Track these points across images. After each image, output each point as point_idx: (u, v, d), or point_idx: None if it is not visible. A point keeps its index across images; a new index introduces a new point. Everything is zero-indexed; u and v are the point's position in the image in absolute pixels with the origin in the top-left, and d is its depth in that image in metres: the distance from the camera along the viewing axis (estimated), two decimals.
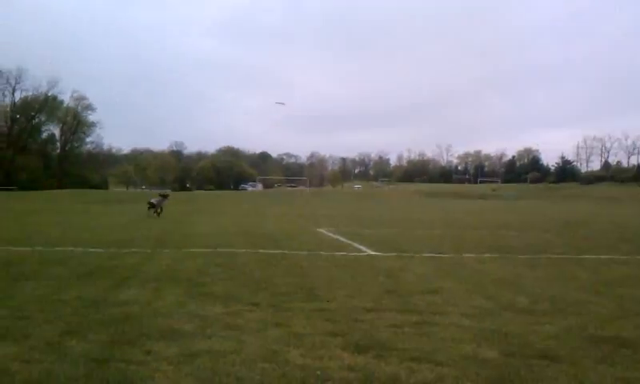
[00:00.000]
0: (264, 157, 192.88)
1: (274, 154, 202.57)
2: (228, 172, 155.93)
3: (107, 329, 6.03)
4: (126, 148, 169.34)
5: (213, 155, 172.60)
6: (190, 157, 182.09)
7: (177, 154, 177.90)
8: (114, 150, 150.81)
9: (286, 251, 13.60)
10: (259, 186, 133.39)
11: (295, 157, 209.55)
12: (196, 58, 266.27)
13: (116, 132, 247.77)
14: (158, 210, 27.72)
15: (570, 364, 5.12)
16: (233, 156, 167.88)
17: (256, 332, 6.01)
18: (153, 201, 28.54)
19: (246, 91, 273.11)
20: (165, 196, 30.47)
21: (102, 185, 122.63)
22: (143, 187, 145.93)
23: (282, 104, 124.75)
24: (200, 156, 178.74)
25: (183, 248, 13.94)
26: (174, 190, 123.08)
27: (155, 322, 6.39)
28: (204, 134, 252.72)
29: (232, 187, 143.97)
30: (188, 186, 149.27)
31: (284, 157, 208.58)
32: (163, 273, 9.98)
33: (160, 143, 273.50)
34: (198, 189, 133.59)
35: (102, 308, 7.09)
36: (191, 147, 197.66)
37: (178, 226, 22.25)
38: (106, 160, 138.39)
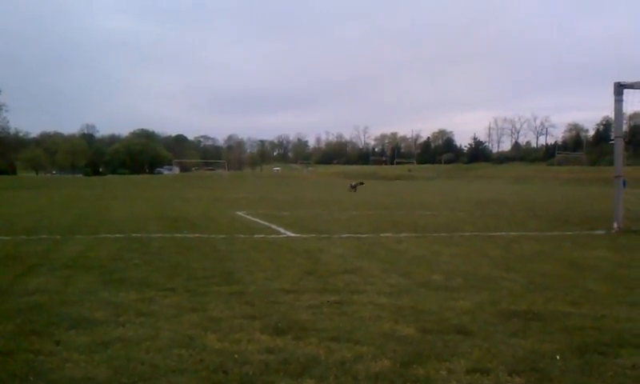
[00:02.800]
0: (180, 139, 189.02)
1: (190, 137, 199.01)
2: (143, 155, 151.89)
3: (13, 319, 5.72)
4: (34, 132, 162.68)
5: (126, 138, 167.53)
6: (102, 140, 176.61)
7: (88, 138, 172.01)
8: (21, 134, 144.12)
9: (203, 235, 13.39)
10: (176, 170, 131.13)
11: (213, 139, 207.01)
12: (107, 37, 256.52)
13: (23, 115, 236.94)
14: None
15: (483, 338, 5.24)
16: (147, 139, 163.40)
17: (171, 318, 5.85)
18: None
19: (160, 72, 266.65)
20: None
21: (9, 170, 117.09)
22: (54, 172, 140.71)
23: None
24: (113, 139, 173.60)
25: (96, 234, 13.48)
26: (86, 174, 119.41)
27: (65, 310, 6.12)
28: (117, 116, 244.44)
29: (147, 171, 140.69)
30: (101, 170, 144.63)
31: (201, 139, 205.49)
32: (74, 260, 9.60)
33: (71, 126, 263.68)
34: (111, 173, 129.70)
35: (7, 298, 6.73)
36: (103, 130, 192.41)
37: (91, 212, 21.56)
38: (13, 144, 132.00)
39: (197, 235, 13.32)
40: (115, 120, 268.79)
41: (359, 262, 9.65)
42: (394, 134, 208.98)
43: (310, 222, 17.67)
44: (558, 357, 4.73)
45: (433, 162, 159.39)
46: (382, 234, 14.06)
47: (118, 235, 13.16)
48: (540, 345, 5.06)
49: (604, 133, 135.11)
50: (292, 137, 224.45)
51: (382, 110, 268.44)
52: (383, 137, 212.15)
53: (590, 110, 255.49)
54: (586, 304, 6.70)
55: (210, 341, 5.07)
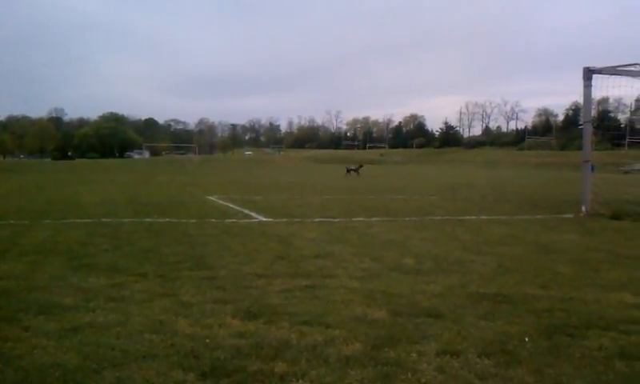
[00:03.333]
0: (150, 123, 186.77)
1: (160, 121, 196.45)
2: (112, 139, 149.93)
3: None
4: (0, 115, 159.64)
5: (95, 122, 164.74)
6: (70, 123, 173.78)
7: (56, 121, 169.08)
8: None
9: (174, 220, 13.28)
10: (146, 154, 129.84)
11: (183, 123, 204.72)
12: (74, 18, 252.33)
13: None
14: None
15: (453, 320, 5.30)
16: (117, 122, 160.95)
17: (142, 303, 5.80)
18: None
19: (130, 54, 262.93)
20: None
21: None
22: (21, 156, 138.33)
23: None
24: (82, 122, 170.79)
25: (64, 219, 13.29)
26: (54, 158, 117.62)
27: (33, 296, 6.03)
28: (85, 99, 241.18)
29: (117, 155, 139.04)
30: (70, 154, 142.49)
31: (171, 123, 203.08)
32: (42, 245, 9.46)
33: (38, 110, 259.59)
34: (80, 157, 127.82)
35: None
36: (72, 113, 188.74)
37: (59, 196, 21.22)
38: None
39: (167, 220, 13.21)
40: (84, 103, 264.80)
41: (331, 247, 9.66)
42: (366, 119, 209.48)
43: (282, 206, 17.64)
44: (526, 339, 4.80)
45: (405, 147, 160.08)
46: (353, 219, 14.10)
47: (87, 220, 12.99)
48: (509, 327, 5.13)
49: (573, 118, 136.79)
50: (264, 121, 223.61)
51: (354, 94, 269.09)
52: (355, 121, 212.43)
53: (559, 95, 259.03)
54: (555, 287, 6.80)
55: (181, 326, 5.05)
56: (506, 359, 4.33)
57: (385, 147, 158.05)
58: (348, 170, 46.43)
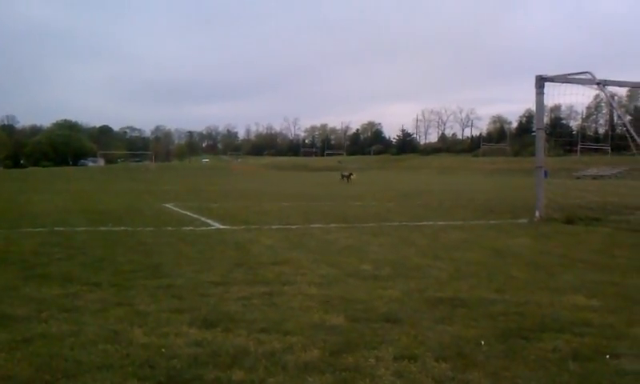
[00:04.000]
0: (105, 130, 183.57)
1: (115, 128, 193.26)
2: (66, 147, 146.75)
3: None
4: None
5: (48, 129, 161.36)
6: (23, 131, 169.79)
7: (8, 129, 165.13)
8: None
9: (129, 228, 13.07)
10: (101, 162, 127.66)
11: (139, 130, 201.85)
12: (26, 25, 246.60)
13: None
14: None
15: (410, 325, 5.33)
16: (71, 130, 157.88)
17: (96, 313, 5.68)
18: None
19: (83, 61, 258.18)
20: None
21: None
22: None
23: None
24: (35, 130, 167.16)
25: (17, 228, 12.95)
26: (6, 167, 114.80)
27: None
28: (38, 106, 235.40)
29: (71, 163, 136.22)
30: (22, 162, 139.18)
31: (127, 130, 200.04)
32: None
33: None
34: (33, 165, 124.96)
35: None
36: (24, 121, 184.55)
37: (11, 206, 20.71)
38: None
39: (123, 228, 13.00)
40: (36, 111, 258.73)
41: (289, 253, 9.64)
42: (324, 126, 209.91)
43: (240, 213, 17.54)
44: (482, 342, 4.85)
45: (362, 154, 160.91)
46: (312, 225, 14.10)
47: (40, 229, 12.69)
48: (465, 331, 5.19)
49: (526, 125, 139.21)
50: (221, 128, 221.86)
51: (312, 101, 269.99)
52: (313, 128, 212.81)
53: (513, 103, 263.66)
54: (510, 290, 6.91)
55: (136, 335, 4.96)
56: (463, 363, 4.37)
57: (343, 154, 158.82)
58: (342, 176, 49.34)
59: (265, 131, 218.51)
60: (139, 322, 5.33)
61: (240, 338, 4.92)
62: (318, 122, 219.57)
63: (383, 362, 4.37)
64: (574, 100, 17.30)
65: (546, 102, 16.72)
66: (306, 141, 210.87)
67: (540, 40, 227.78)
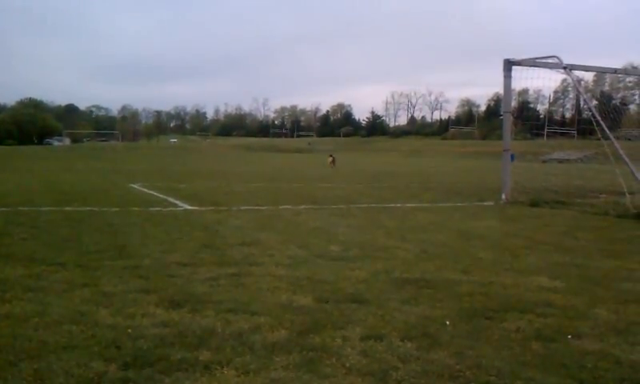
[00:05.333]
0: (71, 109, 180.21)
1: (82, 107, 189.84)
2: (31, 126, 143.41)
3: None
4: None
5: (12, 107, 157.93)
6: None
7: None
8: None
9: (95, 208, 12.89)
10: (66, 141, 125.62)
11: (106, 109, 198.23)
12: None
13: None
14: None
15: (377, 305, 5.38)
16: (35, 108, 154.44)
17: (61, 293, 5.62)
18: None
19: (48, 38, 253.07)
20: None
21: None
22: None
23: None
24: None
25: None
26: None
27: None
28: (2, 84, 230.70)
29: (36, 142, 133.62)
30: None
31: (93, 109, 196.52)
32: None
33: None
34: None
35: None
36: None
37: None
38: None
39: (88, 208, 12.82)
40: (0, 88, 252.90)
41: (258, 234, 9.63)
42: (293, 107, 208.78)
43: (209, 194, 17.45)
44: (447, 322, 4.92)
45: (332, 135, 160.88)
46: (280, 207, 14.09)
47: (3, 209, 12.46)
48: (431, 311, 5.25)
49: (494, 108, 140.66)
50: (189, 108, 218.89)
51: (282, 82, 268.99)
52: (283, 109, 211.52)
53: (482, 86, 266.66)
54: (475, 271, 7.01)
55: (102, 316, 4.92)
56: (428, 342, 4.42)
57: (313, 135, 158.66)
58: (332, 158, 44.83)
59: (234, 111, 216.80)
60: (105, 303, 5.29)
61: (207, 318, 4.91)
62: (287, 103, 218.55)
63: (350, 342, 4.40)
64: (542, 84, 17.54)
65: (513, 86, 16.92)
66: (276, 122, 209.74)
67: (508, 23, 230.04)
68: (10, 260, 7.14)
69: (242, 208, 13.65)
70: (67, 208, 12.85)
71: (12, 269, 6.66)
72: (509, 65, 16.20)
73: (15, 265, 6.86)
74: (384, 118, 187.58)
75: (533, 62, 16.34)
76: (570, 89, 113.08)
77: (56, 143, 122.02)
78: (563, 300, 5.74)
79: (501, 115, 20.18)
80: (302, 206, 14.27)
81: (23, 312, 4.99)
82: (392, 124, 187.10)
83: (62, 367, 3.81)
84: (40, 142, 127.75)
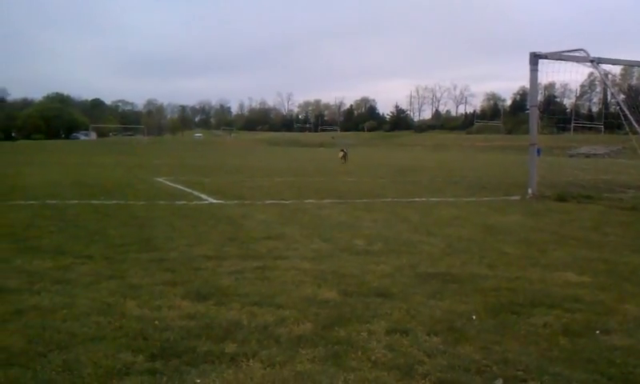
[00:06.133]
0: (97, 104, 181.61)
1: (107, 101, 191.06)
2: (58, 120, 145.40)
3: None
4: None
5: (40, 102, 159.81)
6: (14, 104, 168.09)
7: None
8: None
9: (121, 202, 13.04)
10: (93, 135, 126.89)
11: (131, 104, 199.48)
12: None
13: None
14: None
15: (402, 300, 5.36)
16: (62, 103, 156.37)
17: (89, 285, 5.69)
18: None
19: (75, 33, 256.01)
20: None
21: None
22: None
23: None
24: (26, 103, 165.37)
25: (8, 201, 12.89)
26: None
27: None
28: (29, 79, 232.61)
29: (63, 136, 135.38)
30: (14, 135, 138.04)
31: (119, 104, 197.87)
32: None
33: None
34: (25, 138, 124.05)
35: None
36: (15, 94, 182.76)
37: (3, 178, 20.57)
38: None
39: (115, 202, 12.96)
40: (27, 83, 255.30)
41: (282, 228, 9.65)
42: (317, 101, 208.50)
43: (233, 188, 17.52)
44: (473, 317, 4.89)
45: (356, 130, 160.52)
46: (305, 201, 14.10)
47: (32, 202, 12.63)
48: (457, 305, 5.22)
49: (520, 102, 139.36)
50: (214, 102, 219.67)
51: (306, 77, 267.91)
52: (307, 104, 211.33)
53: (507, 80, 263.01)
54: (501, 266, 6.95)
55: (129, 308, 4.97)
56: (454, 337, 4.40)
57: (336, 130, 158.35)
58: (343, 154, 40.64)
59: (258, 106, 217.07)
60: (132, 295, 5.34)
61: (233, 311, 4.94)
62: (311, 98, 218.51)
63: (375, 336, 4.39)
64: (568, 78, 17.43)
65: (540, 80, 16.70)
66: (300, 116, 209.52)
67: (535, 16, 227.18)
68: (39, 252, 7.25)
69: (267, 202, 13.69)
70: (94, 201, 13.00)
71: (40, 261, 6.76)
72: (535, 58, 16.01)
73: (44, 257, 6.97)
74: (408, 112, 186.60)
75: (559, 56, 16.14)
76: (597, 82, 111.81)
77: (82, 137, 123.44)
78: (591, 295, 5.67)
79: (527, 109, 20.01)
80: (326, 200, 14.26)
81: (52, 303, 5.06)
82: (416, 118, 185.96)
83: (90, 358, 3.86)
84: (67, 137, 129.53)
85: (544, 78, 16.96)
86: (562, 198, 14.98)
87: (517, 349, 4.20)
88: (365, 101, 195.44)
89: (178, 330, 4.41)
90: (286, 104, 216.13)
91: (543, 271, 6.74)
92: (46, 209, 11.51)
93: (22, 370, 3.66)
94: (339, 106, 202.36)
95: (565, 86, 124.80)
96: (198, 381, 3.57)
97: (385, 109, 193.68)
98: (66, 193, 14.98)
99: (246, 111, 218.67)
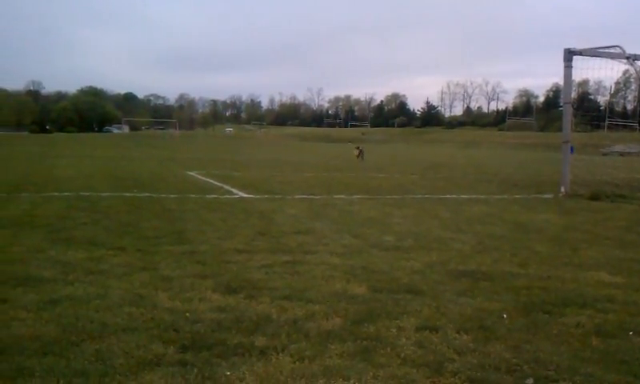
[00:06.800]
0: (130, 98, 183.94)
1: (140, 95, 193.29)
2: (91, 113, 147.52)
3: None
4: None
5: (74, 96, 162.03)
6: (48, 97, 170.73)
7: (34, 94, 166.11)
8: None
9: (153, 195, 13.19)
10: (125, 129, 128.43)
11: (163, 98, 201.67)
12: None
13: None
14: None
15: (432, 297, 5.34)
16: (96, 96, 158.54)
17: (121, 276, 5.77)
18: None
19: (108, 27, 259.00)
20: None
21: None
22: None
23: None
24: (60, 96, 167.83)
25: (43, 192, 13.13)
26: (32, 132, 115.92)
27: (12, 268, 5.96)
28: (63, 72, 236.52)
29: (96, 129, 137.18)
30: (48, 128, 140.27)
31: (151, 98, 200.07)
32: (20, 218, 9.33)
33: (15, 82, 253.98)
34: (59, 131, 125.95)
35: None
36: (50, 87, 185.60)
37: (37, 170, 20.95)
38: None
39: (147, 195, 13.12)
40: (62, 77, 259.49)
41: (312, 223, 9.67)
42: (347, 97, 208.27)
43: (264, 182, 17.60)
44: (504, 315, 4.85)
45: (386, 126, 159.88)
46: (334, 196, 14.11)
47: (65, 194, 12.85)
48: (487, 304, 5.18)
49: (553, 99, 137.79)
50: (245, 97, 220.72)
51: (336, 72, 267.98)
52: (337, 99, 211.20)
53: (540, 77, 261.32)
54: (533, 265, 6.87)
55: (160, 299, 5.03)
56: (485, 335, 4.37)
57: (366, 126, 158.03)
58: (359, 152, 37.57)
59: (288, 101, 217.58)
60: (164, 287, 5.41)
61: (263, 304, 4.97)
62: (341, 93, 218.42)
63: (405, 332, 4.38)
64: (603, 74, 17.03)
65: (574, 77, 16.45)
66: (330, 112, 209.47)
67: (568, 11, 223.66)
68: (73, 243, 7.37)
69: (297, 197, 13.73)
70: (126, 194, 13.17)
71: (74, 252, 6.87)
72: (569, 55, 15.76)
73: (77, 248, 7.08)
74: (439, 108, 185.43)
75: (594, 52, 15.87)
76: (632, 80, 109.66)
77: (115, 131, 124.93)
78: (624, 296, 5.58)
79: (560, 106, 19.74)
80: (356, 196, 14.25)
81: (85, 294, 5.14)
82: (447, 114, 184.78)
83: (123, 348, 3.91)
84: (100, 130, 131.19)
85: (578, 75, 16.70)
86: (595, 197, 14.76)
87: (548, 348, 4.15)
88: (395, 96, 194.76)
89: (209, 323, 4.45)
90: (316, 99, 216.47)
91: (576, 270, 6.65)
92: (79, 201, 11.69)
93: (56, 358, 3.73)
94: (369, 102, 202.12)
95: (599, 83, 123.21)
96: (228, 373, 3.60)
97: (415, 105, 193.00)
98: (99, 185, 15.20)
99: (276, 106, 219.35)
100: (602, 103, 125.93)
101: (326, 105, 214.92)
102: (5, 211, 10.07)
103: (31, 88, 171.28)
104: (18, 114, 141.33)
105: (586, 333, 4.51)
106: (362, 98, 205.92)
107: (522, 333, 4.46)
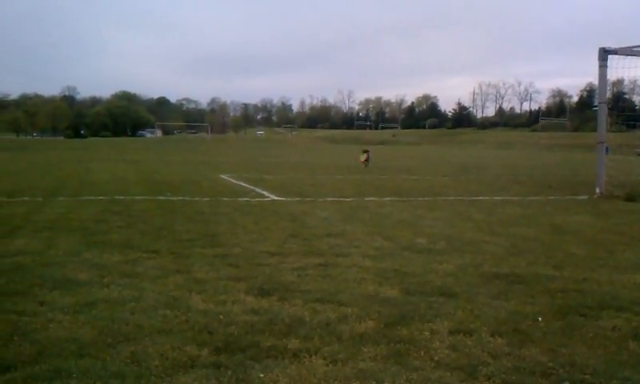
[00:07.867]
0: (162, 102, 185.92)
1: (172, 100, 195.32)
2: (124, 118, 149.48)
3: None
4: (13, 93, 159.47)
5: (108, 100, 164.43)
6: (83, 102, 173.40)
7: (69, 99, 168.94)
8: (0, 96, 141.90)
9: (186, 198, 13.33)
10: (158, 133, 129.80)
11: (195, 102, 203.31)
12: None
13: (1, 76, 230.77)
14: None
15: (466, 300, 5.30)
16: (129, 101, 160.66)
17: (156, 279, 5.84)
18: None
19: (141, 33, 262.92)
20: None
21: None
22: (34, 134, 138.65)
23: None
24: (94, 101, 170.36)
25: (78, 196, 13.38)
26: (67, 137, 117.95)
27: (48, 271, 6.09)
28: (97, 78, 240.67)
29: (129, 134, 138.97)
30: (82, 132, 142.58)
31: (183, 102, 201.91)
32: (56, 221, 9.53)
33: (51, 88, 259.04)
34: (93, 136, 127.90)
35: None
36: (84, 92, 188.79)
37: (73, 174, 21.33)
38: None
39: (180, 198, 13.26)
40: (96, 82, 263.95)
41: (343, 226, 9.67)
42: (378, 99, 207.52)
43: (295, 185, 17.65)
44: (539, 318, 4.79)
45: (417, 127, 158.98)
46: (366, 198, 14.09)
47: (100, 197, 13.06)
48: (522, 307, 5.13)
49: (587, 99, 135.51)
50: (276, 100, 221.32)
51: (367, 74, 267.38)
52: (368, 101, 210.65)
53: (574, 76, 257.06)
54: (568, 267, 6.78)
55: (194, 302, 5.08)
56: (520, 338, 4.32)
57: (397, 127, 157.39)
58: (366, 154, 31.05)
59: (319, 104, 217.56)
60: (197, 289, 5.46)
61: (295, 307, 4.98)
62: (372, 95, 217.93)
63: (438, 336, 4.36)
64: (638, 74, 16.68)
65: (608, 76, 16.16)
66: (360, 114, 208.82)
67: (603, 10, 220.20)
68: (108, 246, 7.49)
69: (328, 199, 13.74)
70: (160, 197, 13.33)
71: (109, 255, 6.98)
72: (604, 54, 15.49)
73: (112, 251, 7.19)
74: (471, 109, 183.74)
75: (630, 51, 15.58)
76: None
77: (148, 135, 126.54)
78: None
79: (595, 106, 19.43)
80: (387, 198, 14.21)
81: (120, 296, 5.22)
82: (479, 115, 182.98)
83: (157, 350, 3.96)
84: (133, 134, 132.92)
85: (612, 74, 16.41)
86: (631, 198, 14.48)
87: (584, 352, 4.10)
88: (426, 98, 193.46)
89: (242, 325, 4.48)
90: (346, 101, 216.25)
91: (612, 273, 6.54)
92: (114, 204, 11.87)
93: (93, 360, 3.79)
94: (400, 104, 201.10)
95: (634, 82, 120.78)
96: (262, 375, 3.62)
97: (446, 106, 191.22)
98: (133, 189, 15.41)
99: (306, 109, 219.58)
100: (637, 103, 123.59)
101: (357, 107, 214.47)
102: (41, 215, 10.28)
103: (66, 93, 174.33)
104: (54, 119, 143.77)
105: (623, 336, 4.43)
106: (393, 100, 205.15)
107: (557, 336, 4.40)
